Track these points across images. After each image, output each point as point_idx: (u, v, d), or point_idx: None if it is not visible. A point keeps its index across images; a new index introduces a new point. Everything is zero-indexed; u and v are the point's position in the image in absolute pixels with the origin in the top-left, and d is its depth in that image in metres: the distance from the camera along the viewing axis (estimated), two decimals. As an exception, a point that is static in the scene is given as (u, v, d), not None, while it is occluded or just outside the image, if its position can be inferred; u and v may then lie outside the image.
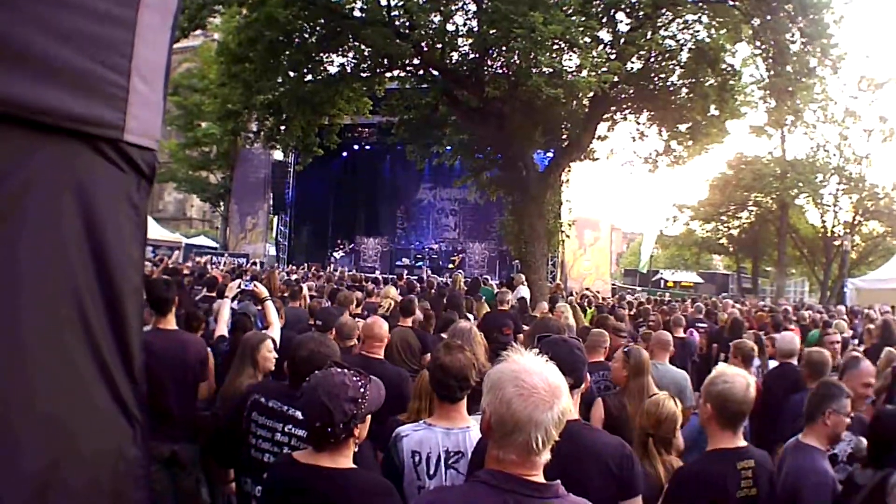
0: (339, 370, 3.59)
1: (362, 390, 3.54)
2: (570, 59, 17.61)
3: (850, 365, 6.94)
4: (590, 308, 18.65)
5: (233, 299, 8.58)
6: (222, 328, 7.80)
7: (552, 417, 2.55)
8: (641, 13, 17.92)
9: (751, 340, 9.61)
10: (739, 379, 4.40)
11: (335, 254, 40.77)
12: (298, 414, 4.42)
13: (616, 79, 16.99)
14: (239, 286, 8.75)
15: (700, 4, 18.37)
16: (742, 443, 4.45)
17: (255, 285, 8.49)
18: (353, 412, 3.47)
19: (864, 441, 5.05)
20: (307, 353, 4.59)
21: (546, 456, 2.61)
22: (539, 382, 2.57)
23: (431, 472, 4.27)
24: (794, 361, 8.76)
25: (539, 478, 2.63)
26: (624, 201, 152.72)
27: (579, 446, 3.62)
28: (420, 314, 10.78)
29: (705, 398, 4.50)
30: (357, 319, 8.72)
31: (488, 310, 13.51)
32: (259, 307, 8.41)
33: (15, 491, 2.04)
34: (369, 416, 3.65)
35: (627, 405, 6.18)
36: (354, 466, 3.61)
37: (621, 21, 19.08)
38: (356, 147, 40.67)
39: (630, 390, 6.40)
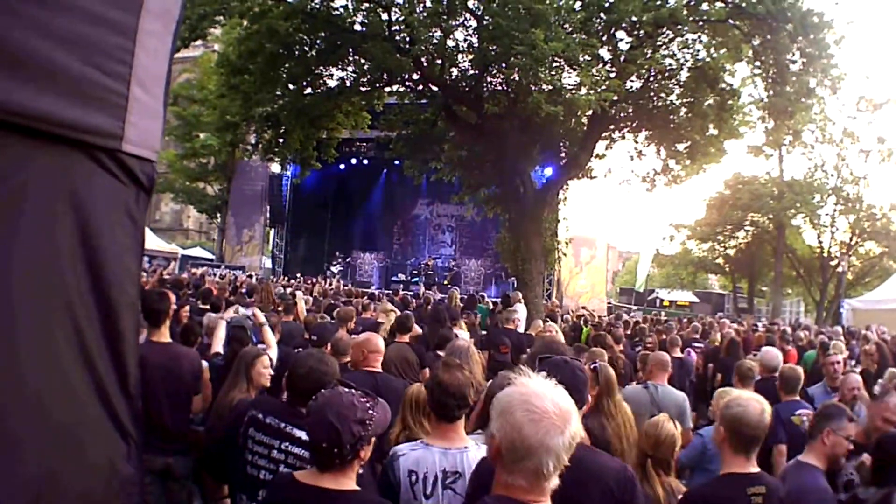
0: (347, 390, 3.53)
1: (370, 411, 3.47)
2: (569, 77, 17.64)
3: (879, 396, 6.99)
4: (586, 327, 18.59)
5: None
6: (217, 346, 7.75)
7: (563, 442, 2.52)
8: (642, 32, 17.92)
9: (750, 361, 9.61)
10: (754, 403, 4.39)
11: (332, 268, 40.64)
12: (296, 431, 4.40)
13: (615, 97, 17.01)
14: (236, 311, 8.66)
15: (700, 24, 18.35)
16: (754, 469, 4.41)
17: (254, 313, 8.42)
18: (360, 434, 3.40)
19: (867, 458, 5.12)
20: (306, 370, 4.55)
21: (555, 481, 2.57)
22: (550, 406, 2.54)
23: (428, 492, 4.21)
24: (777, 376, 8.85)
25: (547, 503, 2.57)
26: (620, 220, 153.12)
27: (581, 469, 3.51)
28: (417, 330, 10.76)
29: (720, 420, 4.52)
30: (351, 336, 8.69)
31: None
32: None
33: (14, 495, 2.00)
34: (374, 438, 3.57)
35: (607, 426, 5.97)
36: (358, 488, 3.54)
37: (621, 39, 19.11)
38: (354, 161, 40.57)
39: (604, 410, 6.16)
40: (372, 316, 14.12)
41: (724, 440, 4.43)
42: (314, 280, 31.34)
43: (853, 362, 14.28)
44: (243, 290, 19.53)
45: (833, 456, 5.06)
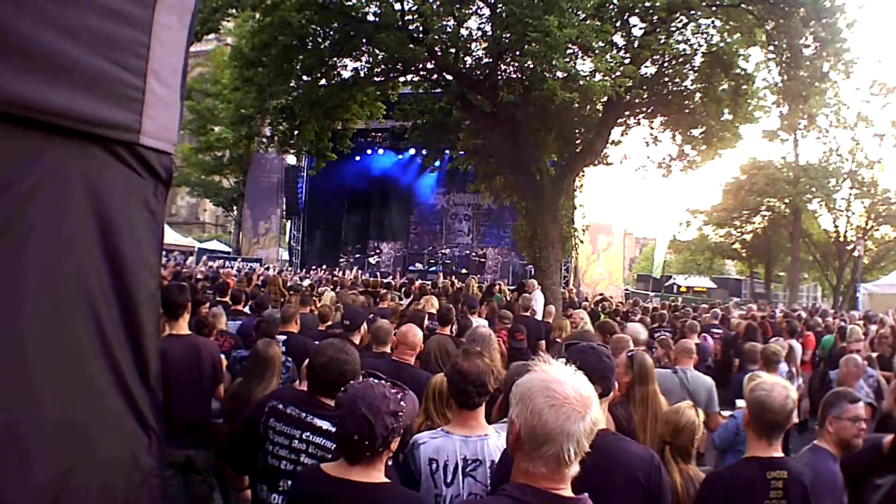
0: (378, 381, 3.49)
1: (402, 403, 3.44)
2: (583, 64, 17.57)
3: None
4: (603, 314, 18.59)
5: (252, 311, 8.55)
6: None
7: (584, 428, 2.51)
8: (655, 17, 17.83)
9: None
10: (779, 388, 4.42)
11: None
12: (317, 421, 4.39)
13: (630, 83, 16.93)
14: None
15: (714, 9, 18.24)
16: (777, 453, 4.44)
17: None
18: (393, 426, 3.37)
19: None
20: (326, 359, 4.52)
21: (575, 468, 2.57)
22: (570, 392, 2.53)
23: (448, 480, 4.22)
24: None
25: (567, 491, 2.59)
26: (637, 206, 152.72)
27: (607, 457, 3.53)
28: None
29: (746, 402, 4.58)
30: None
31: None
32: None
33: (29, 498, 2.00)
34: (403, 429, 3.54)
35: (634, 415, 5.90)
36: (388, 481, 3.50)
37: (635, 25, 18.98)
38: (369, 151, 40.58)
39: (634, 398, 6.03)
40: (388, 306, 14.14)
41: (749, 423, 4.49)
42: (334, 272, 31.48)
43: (869, 347, 14.33)
44: (258, 283, 19.66)
45: (841, 440, 5.12)
